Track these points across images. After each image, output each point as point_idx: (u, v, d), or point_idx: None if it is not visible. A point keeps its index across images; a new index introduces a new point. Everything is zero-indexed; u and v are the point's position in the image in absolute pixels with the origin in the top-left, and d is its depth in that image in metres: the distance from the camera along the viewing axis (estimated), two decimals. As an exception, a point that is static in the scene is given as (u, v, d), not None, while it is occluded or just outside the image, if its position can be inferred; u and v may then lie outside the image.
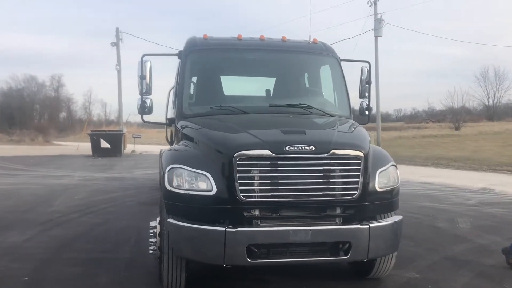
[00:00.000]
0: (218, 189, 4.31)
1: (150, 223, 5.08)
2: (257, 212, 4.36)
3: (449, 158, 22.17)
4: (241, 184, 4.25)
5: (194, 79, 5.93)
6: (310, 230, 4.36)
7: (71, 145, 39.88)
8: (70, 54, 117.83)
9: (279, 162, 4.32)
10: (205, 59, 6.01)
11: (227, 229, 4.23)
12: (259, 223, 4.38)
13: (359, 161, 4.49)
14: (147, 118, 6.02)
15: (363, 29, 32.08)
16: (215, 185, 4.31)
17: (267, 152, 4.30)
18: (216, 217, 4.36)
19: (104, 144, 26.13)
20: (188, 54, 5.82)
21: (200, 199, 4.35)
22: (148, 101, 5.79)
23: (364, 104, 6.38)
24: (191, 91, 5.85)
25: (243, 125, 4.87)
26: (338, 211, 4.52)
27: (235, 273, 5.34)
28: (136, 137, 30.25)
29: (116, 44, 31.02)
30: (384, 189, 4.70)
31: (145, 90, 5.75)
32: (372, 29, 30.11)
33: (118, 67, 30.71)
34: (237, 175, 4.25)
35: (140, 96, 5.77)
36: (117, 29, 31.17)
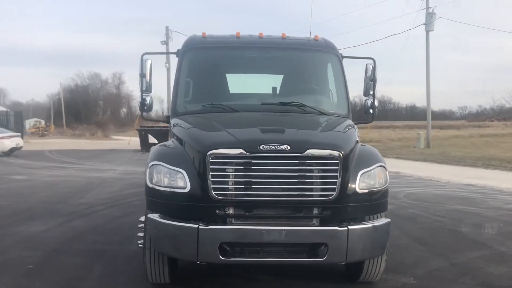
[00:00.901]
0: (192, 186, 4.34)
1: (140, 217, 5.21)
2: (231, 211, 4.35)
3: (502, 159, 20.91)
4: (214, 182, 4.26)
5: (192, 77, 5.97)
6: (284, 230, 4.29)
7: (125, 140, 41.58)
8: (130, 52, 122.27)
9: (252, 161, 4.28)
10: (202, 58, 6.03)
11: (200, 227, 4.25)
12: (233, 222, 4.37)
13: (337, 161, 4.36)
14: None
15: (413, 23, 31.02)
16: (190, 182, 4.35)
17: (240, 151, 4.27)
18: (190, 214, 4.39)
19: (152, 139, 26.83)
20: (185, 52, 5.87)
21: (175, 196, 4.41)
22: (148, 99, 5.87)
23: (369, 103, 6.16)
24: (188, 89, 5.90)
25: (225, 124, 4.87)
26: (315, 212, 4.41)
27: (224, 270, 5.37)
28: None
29: (166, 42, 31.89)
30: (367, 191, 4.53)
31: (145, 88, 5.84)
32: (424, 24, 29.03)
33: (167, 64, 31.57)
34: (210, 173, 4.26)
35: (140, 94, 5.90)
36: (167, 27, 32.10)
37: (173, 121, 5.48)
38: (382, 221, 4.66)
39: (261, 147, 4.27)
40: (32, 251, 6.41)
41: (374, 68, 6.13)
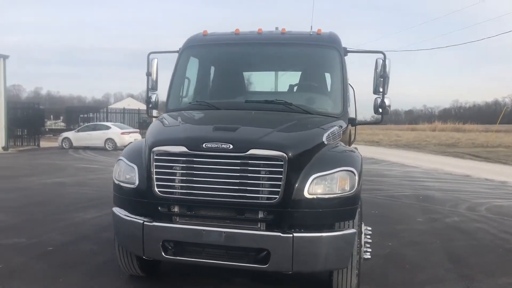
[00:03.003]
0: (139, 182, 4.40)
1: None
2: (176, 209, 4.31)
3: None
4: (158, 179, 4.26)
5: (187, 74, 5.99)
6: (224, 232, 4.13)
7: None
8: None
9: (194, 159, 4.18)
10: (198, 55, 6.02)
11: (144, 223, 4.30)
12: (177, 220, 4.33)
13: (281, 163, 4.03)
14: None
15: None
16: (138, 178, 4.42)
17: (182, 149, 4.20)
18: (139, 210, 4.45)
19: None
20: (182, 50, 5.95)
21: (127, 191, 4.52)
22: (154, 97, 6.10)
23: (378, 101, 5.60)
24: (182, 86, 5.95)
25: (190, 121, 4.85)
26: (260, 215, 4.14)
27: (205, 270, 5.34)
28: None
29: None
30: (320, 196, 4.12)
31: (151, 86, 6.07)
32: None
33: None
34: (155, 170, 4.27)
35: (146, 92, 6.14)
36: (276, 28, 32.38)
37: (161, 117, 5.60)
38: (339, 231, 4.21)
39: (203, 145, 4.16)
40: (64, 235, 7.07)
41: (384, 63, 5.56)
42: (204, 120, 5.03)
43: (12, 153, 25.20)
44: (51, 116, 50.84)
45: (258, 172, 4.09)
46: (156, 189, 4.26)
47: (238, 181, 4.10)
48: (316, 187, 4.13)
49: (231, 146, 4.11)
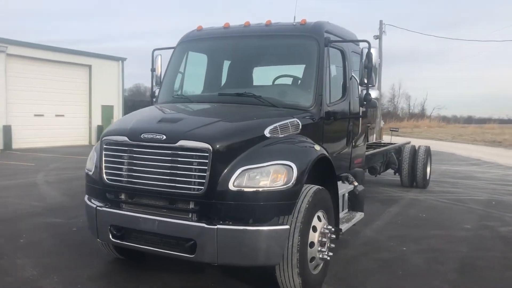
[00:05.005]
0: (94, 169, 4.76)
1: None
2: (122, 196, 4.56)
3: None
4: (106, 167, 4.58)
5: (177, 69, 6.15)
6: (157, 220, 4.28)
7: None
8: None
9: (134, 149, 4.40)
10: (188, 51, 6.15)
11: (97, 207, 4.65)
12: (123, 206, 4.58)
13: (206, 154, 4.07)
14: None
15: None
16: (94, 166, 4.78)
17: (124, 139, 4.46)
18: (96, 196, 4.80)
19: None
20: (176, 46, 6.18)
21: (88, 178, 4.92)
22: (157, 92, 6.44)
23: (363, 93, 5.23)
24: (172, 80, 6.13)
25: (149, 113, 5.06)
26: (191, 206, 4.21)
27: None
28: (394, 131, 29.75)
29: (378, 37, 31.02)
30: (244, 189, 4.05)
31: (155, 81, 6.43)
32: None
33: (379, 59, 30.59)
34: (104, 158, 4.60)
35: (151, 87, 6.51)
36: (381, 21, 31.09)
37: None
38: (268, 226, 4.09)
39: (141, 136, 4.36)
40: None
41: (369, 53, 5.20)
42: (161, 112, 5.19)
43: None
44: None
45: (187, 163, 4.18)
46: (105, 177, 4.56)
47: (169, 171, 4.24)
48: (242, 179, 4.07)
49: (164, 137, 4.25)
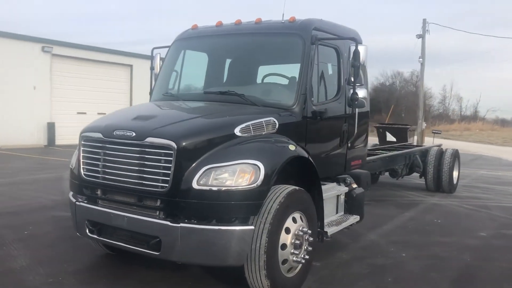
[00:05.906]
0: (75, 165, 4.87)
1: None
2: (98, 192, 4.64)
3: None
4: (83, 163, 4.68)
5: (171, 67, 6.17)
6: (126, 217, 4.34)
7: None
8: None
9: (107, 145, 4.48)
10: (181, 50, 6.14)
11: (76, 202, 4.76)
12: (99, 202, 4.66)
13: (171, 152, 4.07)
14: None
15: None
16: (75, 161, 4.89)
17: (99, 135, 4.54)
18: (76, 191, 4.90)
19: (390, 137, 26.13)
20: (171, 45, 6.22)
21: (70, 173, 5.03)
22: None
23: (350, 93, 5.06)
24: (166, 78, 6.15)
25: (130, 110, 5.12)
26: (158, 203, 4.23)
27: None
28: (436, 133, 28.73)
29: (421, 36, 29.95)
30: (208, 188, 4.02)
31: (155, 79, 6.51)
32: None
33: (421, 59, 29.57)
34: (81, 154, 4.70)
35: (150, 85, 6.58)
36: (424, 20, 30.00)
37: None
38: (231, 226, 4.05)
39: (114, 132, 4.42)
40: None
41: (356, 50, 5.03)
42: (140, 110, 5.22)
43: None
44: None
45: (154, 160, 4.21)
46: (82, 172, 4.66)
47: (138, 168, 4.28)
48: (208, 178, 4.05)
49: (134, 134, 4.30)
